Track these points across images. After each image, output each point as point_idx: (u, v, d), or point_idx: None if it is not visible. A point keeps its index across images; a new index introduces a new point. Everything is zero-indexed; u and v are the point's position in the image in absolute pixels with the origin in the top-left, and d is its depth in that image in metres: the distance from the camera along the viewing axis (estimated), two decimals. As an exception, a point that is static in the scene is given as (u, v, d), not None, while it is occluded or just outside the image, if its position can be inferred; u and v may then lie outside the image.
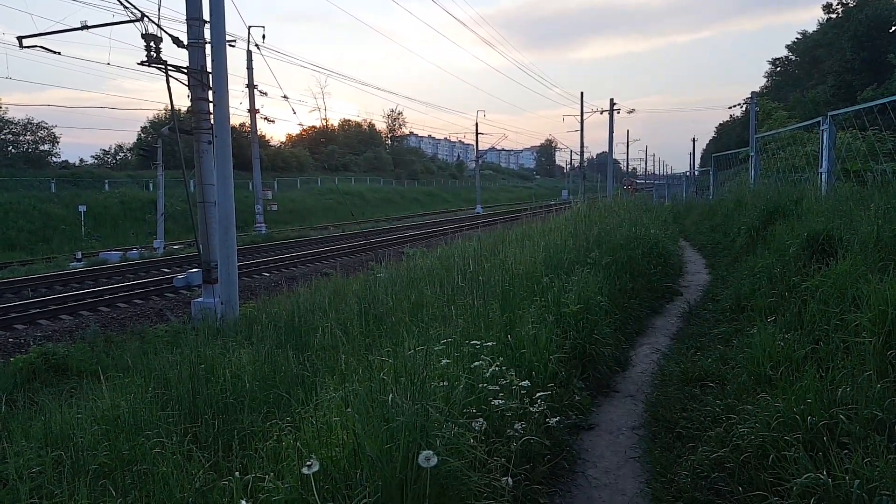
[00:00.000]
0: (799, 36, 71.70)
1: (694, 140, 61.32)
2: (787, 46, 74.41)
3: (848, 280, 4.59)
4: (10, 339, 11.62)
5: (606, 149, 45.30)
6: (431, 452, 2.59)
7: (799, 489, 2.80)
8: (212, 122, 11.48)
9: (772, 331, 4.57)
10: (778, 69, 76.78)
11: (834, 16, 60.72)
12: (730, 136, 69.47)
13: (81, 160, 52.67)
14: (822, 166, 9.57)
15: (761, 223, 8.75)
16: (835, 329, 4.19)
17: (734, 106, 77.90)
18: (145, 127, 52.86)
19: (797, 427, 3.20)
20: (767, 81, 77.07)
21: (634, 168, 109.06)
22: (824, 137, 9.48)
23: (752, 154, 16.67)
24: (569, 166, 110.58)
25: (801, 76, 64.80)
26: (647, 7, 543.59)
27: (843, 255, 5.14)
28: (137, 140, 53.12)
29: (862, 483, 2.65)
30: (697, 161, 63.98)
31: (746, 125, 28.07)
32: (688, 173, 44.30)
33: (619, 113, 44.20)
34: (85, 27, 12.18)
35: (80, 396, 5.37)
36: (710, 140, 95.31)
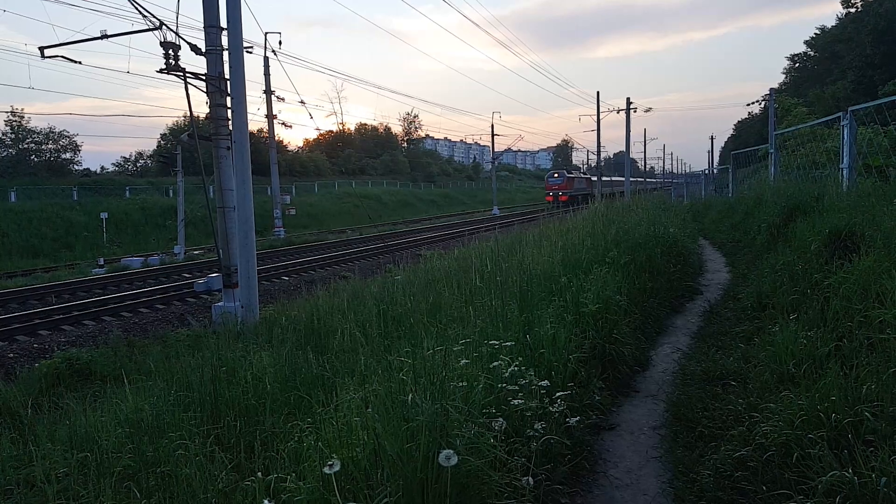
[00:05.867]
0: (817, 31, 70.88)
1: (712, 138, 60.56)
2: (806, 42, 73.55)
3: (871, 276, 4.52)
4: (35, 345, 11.81)
5: (623, 148, 45.01)
6: (452, 452, 2.58)
7: (824, 487, 2.76)
8: (230, 128, 11.60)
9: (794, 328, 4.52)
10: (797, 65, 75.88)
11: (853, 10, 59.88)
12: (749, 134, 68.66)
13: (102, 168, 53.61)
14: (843, 162, 9.44)
15: (782, 220, 8.64)
16: (858, 326, 4.13)
17: (752, 103, 76.80)
18: (165, 134, 53.63)
19: (821, 425, 3.15)
20: (786, 78, 76.19)
21: (652, 167, 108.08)
22: (845, 133, 9.34)
23: (772, 151, 16.48)
24: (585, 166, 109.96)
25: (821, 72, 63.90)
26: (663, 5, 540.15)
27: (866, 251, 5.07)
28: (157, 147, 53.92)
29: (889, 480, 2.61)
30: (716, 159, 63.05)
31: (765, 122, 27.79)
32: (706, 171, 43.82)
33: (635, 112, 43.98)
34: (105, 36, 12.35)
35: (104, 400, 5.46)
36: (729, 137, 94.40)
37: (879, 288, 4.27)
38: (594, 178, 60.65)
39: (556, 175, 52.98)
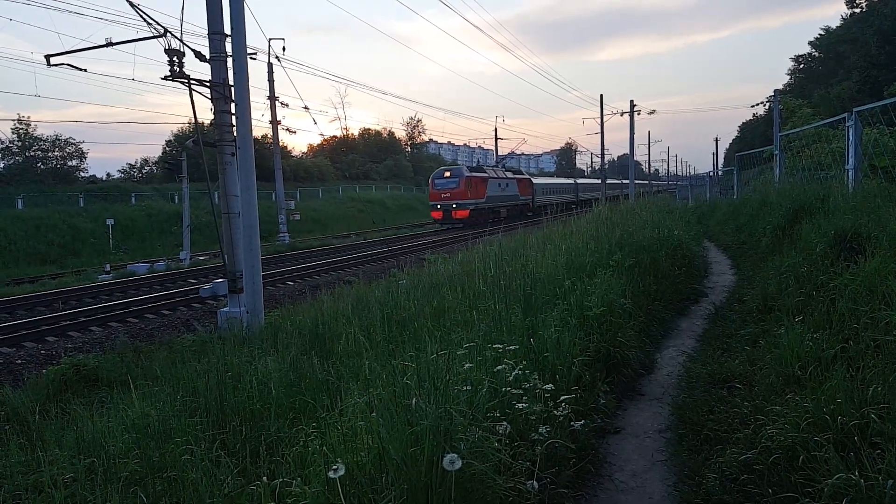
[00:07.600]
0: (822, 32, 70.59)
1: (717, 140, 60.69)
2: (810, 43, 73.33)
3: (877, 277, 4.50)
4: (43, 351, 11.86)
5: (627, 150, 44.94)
6: (456, 456, 2.59)
7: (830, 490, 2.75)
8: (235, 134, 11.63)
9: (800, 330, 4.50)
10: (801, 66, 75.66)
11: (857, 10, 59.76)
12: (753, 135, 68.54)
13: (108, 174, 53.71)
14: (848, 163, 9.42)
15: (787, 222, 8.61)
16: (864, 327, 4.11)
17: (757, 104, 76.81)
18: (170, 140, 53.81)
19: (827, 427, 3.14)
20: (791, 79, 76.01)
21: (656, 170, 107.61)
22: (850, 134, 9.33)
23: (777, 152, 16.44)
24: (589, 169, 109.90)
25: (825, 72, 63.71)
26: (666, 7, 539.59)
27: (872, 252, 5.05)
28: (162, 153, 54.11)
29: (895, 483, 2.60)
30: (721, 161, 62.89)
31: (770, 123, 27.72)
32: (711, 173, 43.72)
33: (639, 114, 43.92)
34: (110, 44, 12.43)
35: (111, 406, 5.48)
36: (734, 139, 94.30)
37: (886, 289, 4.25)
38: (543, 181, 49.82)
39: (446, 174, 32.10)
